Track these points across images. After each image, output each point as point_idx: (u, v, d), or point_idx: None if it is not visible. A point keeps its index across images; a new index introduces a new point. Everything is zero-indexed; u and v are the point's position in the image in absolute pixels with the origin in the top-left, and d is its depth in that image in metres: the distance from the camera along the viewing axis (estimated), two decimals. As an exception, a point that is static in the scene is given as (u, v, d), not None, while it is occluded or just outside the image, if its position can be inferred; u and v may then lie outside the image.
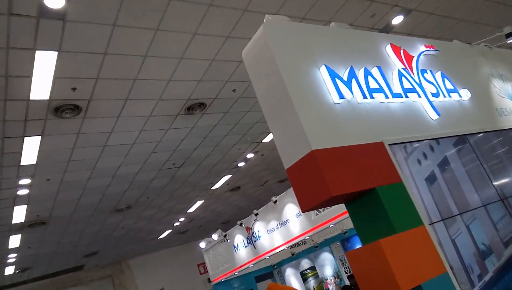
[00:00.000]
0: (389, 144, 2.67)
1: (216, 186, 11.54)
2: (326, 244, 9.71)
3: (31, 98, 5.02)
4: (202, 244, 9.95)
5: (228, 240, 8.94)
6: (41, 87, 4.90)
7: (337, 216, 6.13)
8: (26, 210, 8.20)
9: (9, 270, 11.71)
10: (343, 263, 9.47)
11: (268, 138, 9.40)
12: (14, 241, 9.58)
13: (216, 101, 6.81)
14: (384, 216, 2.37)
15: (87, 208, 9.50)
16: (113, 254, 14.73)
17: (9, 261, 10.88)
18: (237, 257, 8.77)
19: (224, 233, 9.06)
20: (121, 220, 11.33)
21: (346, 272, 9.30)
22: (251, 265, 8.64)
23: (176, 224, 13.92)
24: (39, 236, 10.04)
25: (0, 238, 9.17)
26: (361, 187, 2.38)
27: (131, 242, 14.01)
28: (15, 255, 10.61)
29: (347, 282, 8.50)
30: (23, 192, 7.39)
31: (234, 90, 6.69)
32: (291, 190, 7.18)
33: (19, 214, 8.24)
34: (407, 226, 2.38)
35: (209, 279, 15.72)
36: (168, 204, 11.55)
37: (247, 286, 9.68)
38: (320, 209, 6.27)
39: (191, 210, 12.94)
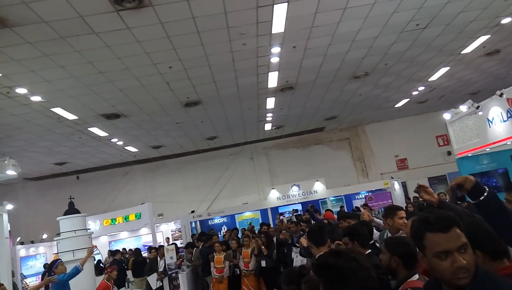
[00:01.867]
0: None
1: (468, 50, 9.87)
2: None
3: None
4: (447, 115, 9.04)
5: (481, 112, 7.75)
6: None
7: None
8: (278, 76, 9.29)
9: (268, 126, 14.35)
10: None
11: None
12: (270, 102, 11.36)
13: None
14: None
15: (327, 75, 9.97)
16: (350, 119, 15.59)
17: (267, 118, 13.20)
18: (490, 132, 7.62)
19: (476, 104, 7.85)
20: (359, 87, 11.48)
21: None
22: (509, 142, 7.38)
23: (415, 93, 13.15)
24: (288, 100, 11.49)
25: (260, 100, 10.99)
26: None
27: (367, 109, 14.32)
28: (271, 114, 12.71)
29: None
30: (274, 59, 8.28)
31: None
32: None
33: (273, 79, 9.48)
34: None
35: (449, 152, 14.84)
36: (408, 71, 10.82)
37: (499, 164, 8.43)
38: None
39: (433, 78, 11.82)
